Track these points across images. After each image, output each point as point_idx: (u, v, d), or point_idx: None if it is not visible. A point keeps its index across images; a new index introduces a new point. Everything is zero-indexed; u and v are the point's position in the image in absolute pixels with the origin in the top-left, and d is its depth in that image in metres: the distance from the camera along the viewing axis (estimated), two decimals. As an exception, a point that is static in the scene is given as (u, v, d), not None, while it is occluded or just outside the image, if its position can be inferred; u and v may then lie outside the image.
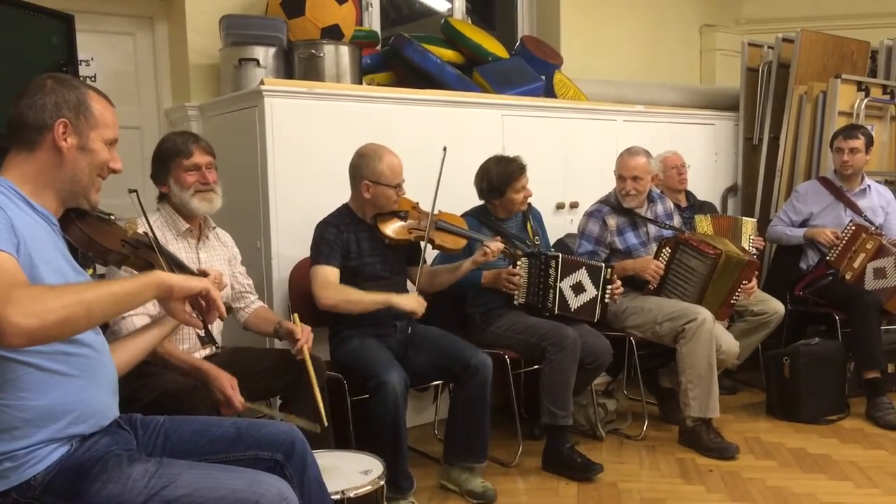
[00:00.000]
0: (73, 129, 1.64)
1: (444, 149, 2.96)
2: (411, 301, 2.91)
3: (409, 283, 3.16)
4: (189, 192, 2.53)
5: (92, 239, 1.76)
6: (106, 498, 1.53)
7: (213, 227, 2.73)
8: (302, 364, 2.44)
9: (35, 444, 1.53)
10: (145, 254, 1.91)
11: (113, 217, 1.89)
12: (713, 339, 3.32)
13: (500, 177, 3.35)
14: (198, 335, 2.36)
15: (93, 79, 3.63)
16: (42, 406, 1.53)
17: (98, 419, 1.64)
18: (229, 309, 1.98)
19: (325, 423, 2.32)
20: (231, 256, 2.78)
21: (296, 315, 2.58)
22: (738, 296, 3.52)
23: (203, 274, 2.01)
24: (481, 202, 3.45)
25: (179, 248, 2.55)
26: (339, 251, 2.93)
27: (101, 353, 1.68)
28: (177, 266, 1.99)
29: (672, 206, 3.87)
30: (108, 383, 1.69)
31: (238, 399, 2.30)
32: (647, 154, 3.63)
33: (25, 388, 1.51)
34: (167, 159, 2.55)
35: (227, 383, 2.32)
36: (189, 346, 2.53)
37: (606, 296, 3.28)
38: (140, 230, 2.00)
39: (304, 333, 2.50)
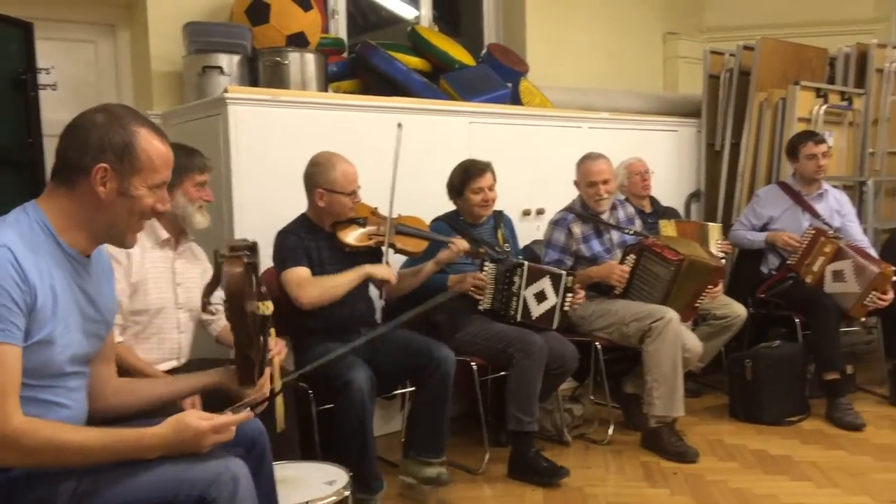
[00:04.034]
0: (115, 174, 1.55)
1: (399, 125, 2.97)
2: (385, 270, 2.95)
3: (372, 288, 3.17)
4: (195, 206, 2.59)
5: (243, 291, 1.68)
6: None
7: (192, 240, 2.72)
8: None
9: None
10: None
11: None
12: (679, 338, 3.36)
13: (460, 176, 3.41)
14: None
15: (53, 87, 3.59)
16: None
17: None
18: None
19: (283, 426, 2.30)
20: (203, 270, 2.77)
21: (273, 330, 2.54)
22: (702, 300, 3.57)
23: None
24: (454, 209, 3.48)
25: (157, 258, 2.54)
26: (303, 254, 2.93)
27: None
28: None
29: (633, 210, 3.93)
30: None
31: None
32: (606, 158, 3.70)
33: None
34: (179, 171, 2.53)
35: (187, 401, 2.26)
36: (159, 357, 2.51)
37: (566, 304, 3.31)
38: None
39: (276, 345, 2.47)
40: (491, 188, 3.41)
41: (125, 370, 2.31)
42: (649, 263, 3.53)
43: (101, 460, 1.53)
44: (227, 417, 1.62)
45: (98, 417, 1.74)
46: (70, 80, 3.69)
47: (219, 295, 2.74)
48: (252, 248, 1.76)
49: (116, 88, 3.84)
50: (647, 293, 3.54)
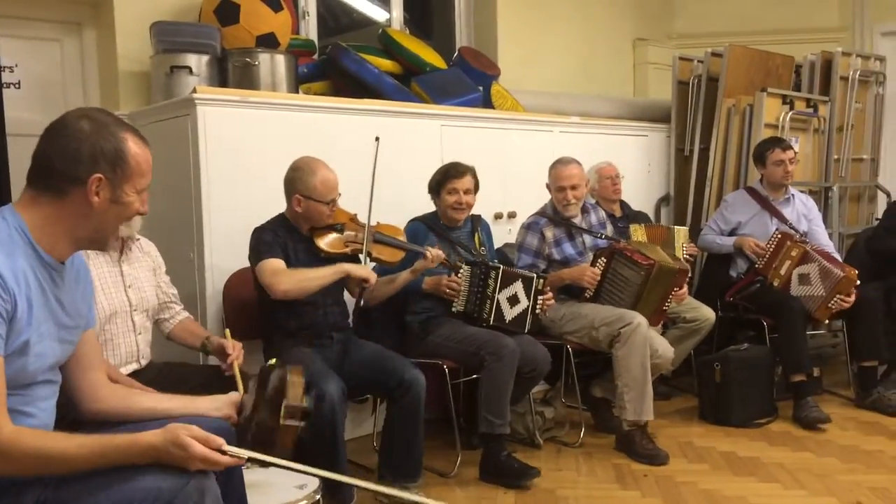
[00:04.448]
0: (108, 182, 1.54)
1: (377, 139, 2.96)
2: (364, 269, 2.92)
3: (347, 295, 3.15)
4: None
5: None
6: None
7: (137, 239, 2.67)
8: (231, 380, 2.39)
9: None
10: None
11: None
12: (647, 343, 3.38)
13: (439, 175, 3.42)
14: None
15: (17, 86, 3.52)
16: None
17: None
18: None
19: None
20: (156, 266, 2.72)
21: (227, 331, 2.53)
22: (669, 302, 3.60)
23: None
24: (434, 209, 3.49)
25: (101, 263, 2.49)
26: (280, 249, 2.89)
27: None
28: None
29: (605, 215, 3.95)
30: None
31: None
32: (578, 163, 3.71)
33: None
34: None
35: None
36: (116, 363, 2.46)
37: (538, 307, 3.31)
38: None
39: (234, 349, 2.45)
40: (468, 192, 3.40)
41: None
42: (620, 267, 3.55)
43: (91, 467, 1.51)
44: (220, 458, 1.57)
45: (89, 420, 1.74)
46: (34, 79, 3.62)
47: (172, 293, 2.73)
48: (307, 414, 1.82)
49: (82, 88, 3.78)
50: (617, 297, 3.56)
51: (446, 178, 3.39)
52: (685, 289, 3.69)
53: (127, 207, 1.60)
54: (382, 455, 3.00)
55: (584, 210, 3.81)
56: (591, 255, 3.66)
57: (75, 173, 1.53)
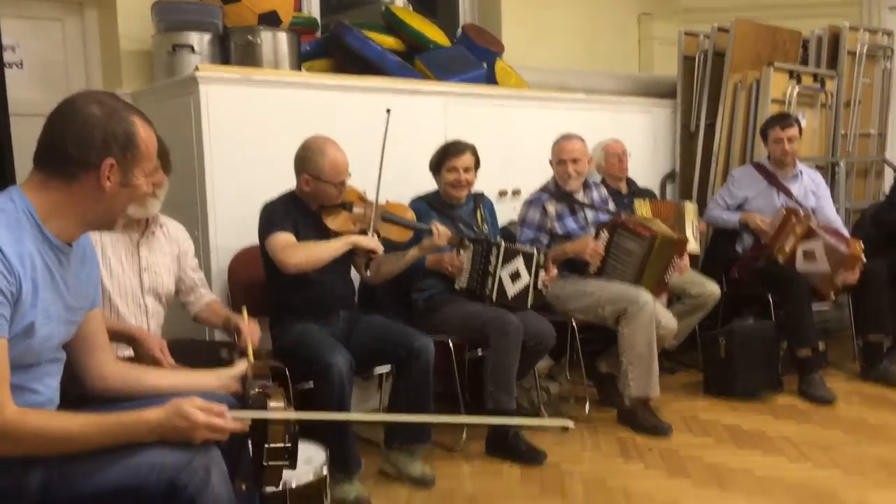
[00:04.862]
0: (119, 167, 1.57)
1: (388, 111, 2.95)
2: (372, 240, 2.92)
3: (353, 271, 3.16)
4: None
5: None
6: None
7: (162, 225, 2.67)
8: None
9: None
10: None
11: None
12: (653, 321, 3.39)
13: (439, 153, 3.42)
14: None
15: (19, 66, 3.52)
16: None
17: None
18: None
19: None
20: (181, 252, 2.72)
21: (244, 308, 2.52)
22: (671, 273, 3.60)
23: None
24: (436, 188, 3.48)
25: (120, 244, 2.50)
26: (290, 223, 2.90)
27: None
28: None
29: (607, 193, 3.95)
30: None
31: (168, 361, 2.22)
32: (581, 138, 3.71)
33: None
34: None
35: (156, 345, 2.25)
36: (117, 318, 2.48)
37: (539, 282, 3.31)
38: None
39: (249, 327, 2.44)
40: (467, 169, 3.40)
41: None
42: (622, 240, 3.56)
43: (96, 446, 1.53)
44: (224, 422, 1.60)
45: (97, 397, 1.76)
46: (36, 59, 3.61)
47: (198, 277, 2.74)
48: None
49: (84, 68, 3.77)
50: (620, 270, 3.57)
51: (446, 157, 3.38)
52: (686, 259, 3.69)
53: (136, 190, 1.63)
54: (390, 424, 3.01)
55: (587, 186, 3.82)
56: (593, 230, 3.66)
57: (87, 158, 1.55)
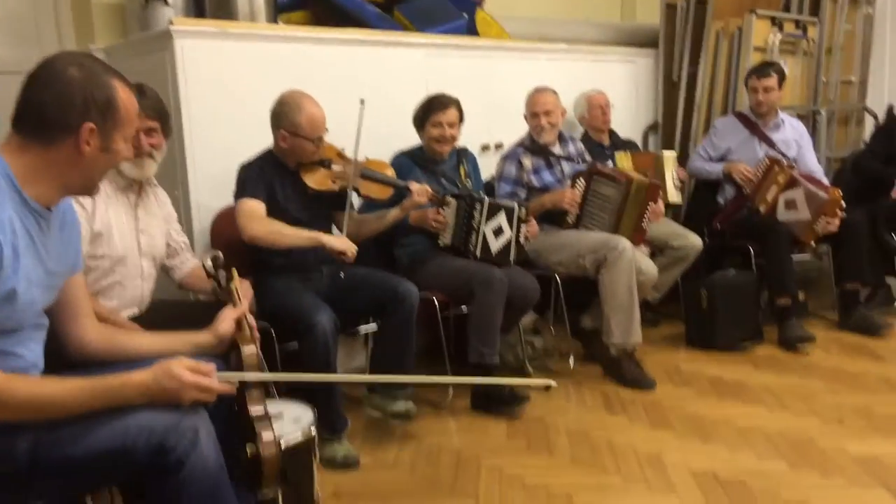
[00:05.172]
0: (98, 131, 1.54)
1: (362, 101, 2.88)
2: (342, 241, 2.83)
3: (335, 229, 3.13)
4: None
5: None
6: None
7: (154, 185, 2.64)
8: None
9: None
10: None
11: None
12: (633, 267, 3.41)
13: (423, 107, 3.38)
14: None
15: (-14, 20, 3.41)
16: None
17: None
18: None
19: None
20: (167, 214, 2.70)
21: (234, 270, 2.48)
22: (647, 219, 3.62)
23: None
24: (419, 143, 3.44)
25: (119, 204, 2.46)
26: (264, 188, 2.86)
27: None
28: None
29: (583, 147, 3.95)
30: None
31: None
32: (554, 91, 3.73)
33: None
34: None
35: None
36: (117, 304, 2.45)
37: (521, 236, 3.31)
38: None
39: (241, 287, 2.40)
40: (452, 125, 3.36)
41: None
42: (599, 186, 3.59)
43: (85, 410, 1.52)
44: (212, 382, 1.61)
45: (82, 363, 1.75)
46: (5, 12, 3.49)
47: (182, 241, 2.70)
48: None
49: (55, 21, 3.65)
50: (598, 218, 3.60)
51: (430, 111, 3.34)
52: (661, 204, 3.71)
53: (116, 155, 1.60)
54: (374, 366, 3.02)
55: (563, 140, 3.83)
56: (569, 183, 3.67)
57: (66, 122, 1.52)
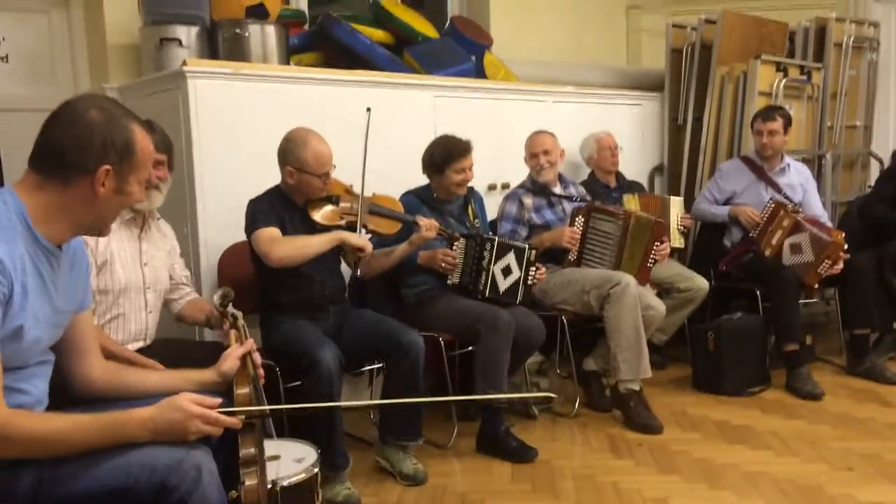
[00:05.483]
0: (115, 174, 1.56)
1: (368, 109, 2.94)
2: (360, 238, 2.89)
3: (344, 267, 3.15)
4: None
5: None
6: None
7: (158, 218, 2.67)
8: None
9: None
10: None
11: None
12: (637, 302, 3.41)
13: (443, 153, 3.36)
14: None
15: (4, 60, 3.47)
16: None
17: None
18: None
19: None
20: (171, 248, 2.72)
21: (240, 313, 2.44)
22: (653, 258, 3.62)
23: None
24: (426, 182, 3.46)
25: (123, 237, 2.49)
26: (275, 218, 2.88)
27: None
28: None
29: (584, 190, 4.02)
30: None
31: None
32: (551, 133, 3.83)
33: None
34: None
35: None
36: (124, 338, 2.46)
37: (530, 277, 3.32)
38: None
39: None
40: (471, 168, 3.40)
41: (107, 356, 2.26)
42: (598, 223, 3.63)
43: (89, 446, 1.52)
44: (218, 415, 1.61)
45: (85, 400, 1.75)
46: (22, 52, 3.56)
47: (184, 275, 2.72)
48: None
49: (71, 61, 3.72)
50: (599, 255, 3.62)
51: (452, 158, 3.33)
52: (667, 244, 3.73)
53: (129, 197, 1.63)
54: (383, 418, 3.02)
55: (563, 182, 3.89)
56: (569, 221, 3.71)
57: (84, 163, 1.54)
